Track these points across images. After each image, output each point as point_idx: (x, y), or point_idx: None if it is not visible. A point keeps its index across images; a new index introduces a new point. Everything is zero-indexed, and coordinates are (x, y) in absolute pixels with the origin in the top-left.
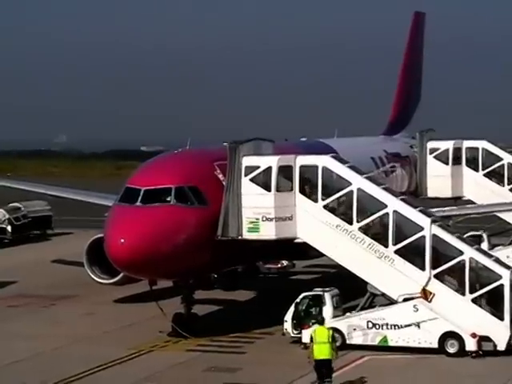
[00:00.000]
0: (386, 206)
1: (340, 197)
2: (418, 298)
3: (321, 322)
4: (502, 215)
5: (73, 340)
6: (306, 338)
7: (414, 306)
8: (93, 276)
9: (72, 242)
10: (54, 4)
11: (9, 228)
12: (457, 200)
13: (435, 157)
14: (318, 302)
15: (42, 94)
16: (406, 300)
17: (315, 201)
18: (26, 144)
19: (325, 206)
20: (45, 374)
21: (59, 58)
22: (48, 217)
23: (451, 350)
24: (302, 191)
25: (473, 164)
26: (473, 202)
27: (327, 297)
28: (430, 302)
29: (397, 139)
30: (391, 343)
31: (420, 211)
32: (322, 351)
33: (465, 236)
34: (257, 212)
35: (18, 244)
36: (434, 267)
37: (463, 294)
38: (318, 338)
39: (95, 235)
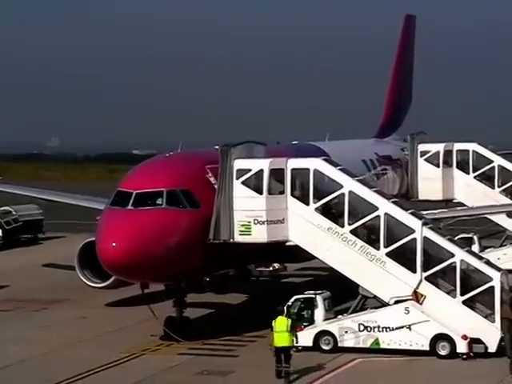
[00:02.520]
0: (377, 209)
1: (331, 200)
2: (409, 300)
3: (280, 312)
4: (493, 217)
5: (64, 344)
6: (298, 341)
7: (406, 308)
8: (84, 280)
9: (63, 246)
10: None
11: None
12: (448, 202)
13: (426, 159)
14: (310, 304)
15: (38, 93)
16: (397, 302)
17: (307, 204)
18: (19, 146)
19: (316, 209)
20: (36, 379)
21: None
22: (39, 221)
23: (442, 352)
24: (294, 194)
25: (463, 166)
26: (463, 205)
27: (319, 299)
28: (421, 304)
29: (388, 142)
30: (383, 345)
31: (411, 214)
32: (281, 339)
33: (456, 238)
34: (248, 215)
35: (9, 248)
36: (425, 269)
37: (454, 296)
38: (278, 327)
39: (87, 239)
